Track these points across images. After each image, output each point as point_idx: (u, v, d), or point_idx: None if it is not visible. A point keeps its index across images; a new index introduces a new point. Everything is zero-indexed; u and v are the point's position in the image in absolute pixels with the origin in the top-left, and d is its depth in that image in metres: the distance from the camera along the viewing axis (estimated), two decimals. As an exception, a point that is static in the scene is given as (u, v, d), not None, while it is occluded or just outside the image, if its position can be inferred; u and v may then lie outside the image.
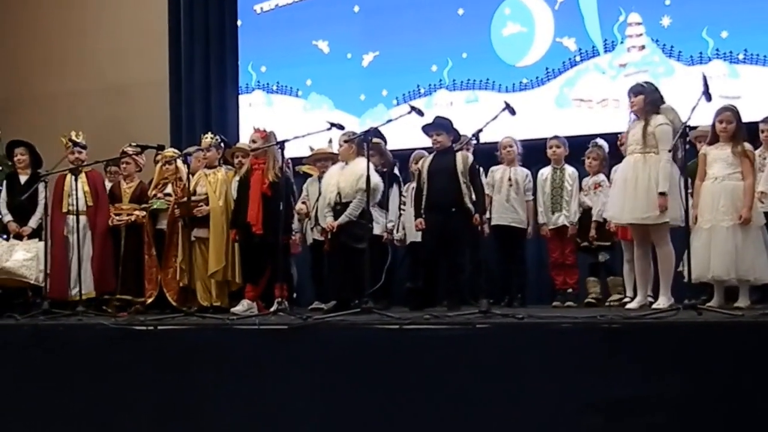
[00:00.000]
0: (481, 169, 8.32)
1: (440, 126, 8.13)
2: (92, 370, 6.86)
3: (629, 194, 7.14)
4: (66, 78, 12.81)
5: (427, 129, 8.18)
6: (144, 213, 9.08)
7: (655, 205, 6.99)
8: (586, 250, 8.65)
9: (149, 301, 8.95)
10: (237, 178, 8.74)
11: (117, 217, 9.12)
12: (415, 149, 9.10)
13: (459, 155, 8.01)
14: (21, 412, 7.07)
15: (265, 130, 8.43)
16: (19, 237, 8.94)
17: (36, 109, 12.55)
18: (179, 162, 8.92)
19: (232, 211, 8.62)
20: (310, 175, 9.38)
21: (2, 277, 8.80)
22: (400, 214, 9.04)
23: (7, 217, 9.07)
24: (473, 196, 7.86)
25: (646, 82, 7.49)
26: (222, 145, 9.05)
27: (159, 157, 9.21)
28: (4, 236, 9.38)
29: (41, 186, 8.70)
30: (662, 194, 6.95)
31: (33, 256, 8.65)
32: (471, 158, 7.99)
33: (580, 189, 8.68)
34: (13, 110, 11.58)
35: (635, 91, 7.33)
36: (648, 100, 7.23)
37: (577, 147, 8.88)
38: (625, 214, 7.22)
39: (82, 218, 8.90)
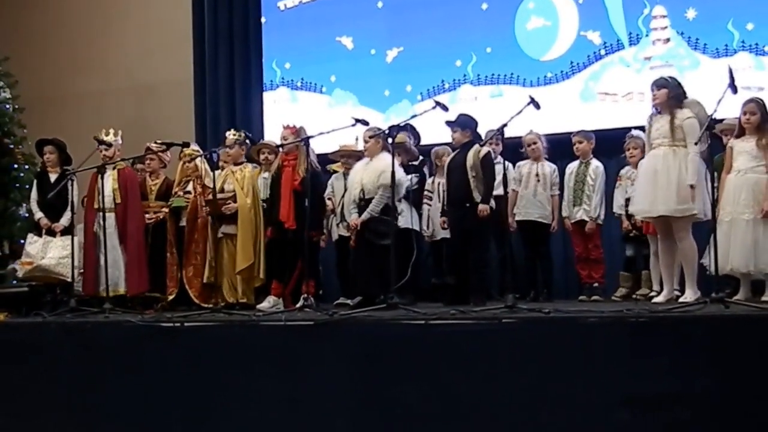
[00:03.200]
0: (509, 165, 8.33)
1: (458, 123, 8.11)
2: (120, 366, 6.91)
3: (661, 187, 7.07)
4: (92, 77, 12.88)
5: (449, 124, 8.19)
6: (167, 208, 9.13)
7: (686, 198, 6.95)
8: (635, 240, 8.57)
9: (170, 298, 8.97)
10: (264, 174, 8.79)
11: (146, 216, 9.18)
12: (440, 144, 9.09)
13: (471, 150, 8.00)
14: (50, 409, 7.13)
15: (295, 127, 8.45)
16: (51, 233, 8.98)
17: (63, 108, 12.61)
18: (198, 160, 8.94)
19: (265, 208, 8.65)
20: (335, 172, 9.39)
21: (37, 275, 8.86)
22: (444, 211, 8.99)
23: (39, 214, 9.12)
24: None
25: (670, 77, 7.44)
26: (247, 141, 9.07)
27: (181, 154, 9.25)
28: (34, 234, 9.45)
29: (69, 184, 8.74)
30: (692, 186, 6.91)
31: (69, 253, 8.66)
32: (484, 152, 7.95)
33: (615, 181, 8.61)
34: (41, 110, 11.63)
35: (659, 84, 7.29)
36: (671, 94, 7.19)
37: (603, 141, 8.85)
38: (659, 207, 7.12)
39: (112, 216, 8.91)
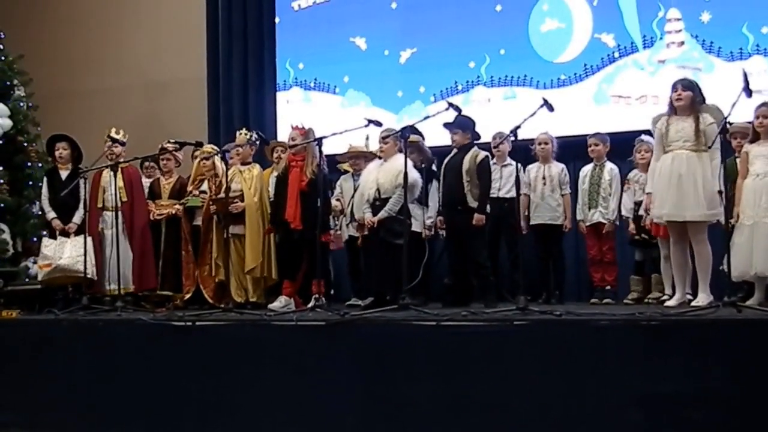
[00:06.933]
0: (520, 166, 8.34)
1: (457, 124, 8.12)
2: (132, 364, 6.94)
3: (687, 192, 6.97)
4: (105, 75, 12.91)
5: (447, 127, 8.19)
6: (181, 207, 9.14)
7: (713, 204, 6.90)
8: (643, 244, 8.55)
9: (187, 296, 9.00)
10: (274, 174, 8.79)
11: (157, 212, 9.19)
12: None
13: (469, 153, 8.02)
14: (62, 406, 7.15)
15: (304, 127, 8.45)
16: (65, 234, 8.96)
17: (76, 105, 12.64)
18: (216, 159, 8.95)
19: (271, 207, 8.66)
20: (345, 172, 9.39)
21: (57, 276, 8.79)
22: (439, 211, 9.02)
23: (51, 214, 9.09)
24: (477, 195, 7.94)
25: (693, 80, 7.39)
26: (257, 142, 9.08)
27: (197, 153, 9.26)
28: (44, 232, 9.45)
29: (82, 182, 8.74)
30: (720, 192, 6.86)
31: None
32: (482, 156, 8.00)
33: (624, 185, 8.58)
34: (54, 107, 11.65)
35: (686, 85, 7.19)
36: (697, 99, 7.15)
37: (616, 143, 8.83)
38: (686, 212, 7.03)
39: (115, 213, 8.91)
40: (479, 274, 8.03)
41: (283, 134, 10.75)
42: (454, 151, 8.27)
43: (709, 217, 7.00)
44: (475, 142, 8.21)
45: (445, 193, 8.22)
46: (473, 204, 7.92)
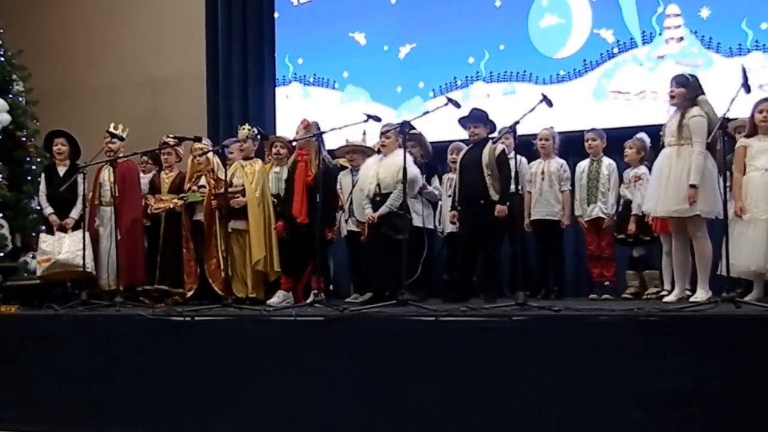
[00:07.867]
0: (523, 159, 8.34)
1: (477, 118, 8.11)
2: (131, 360, 6.94)
3: (662, 187, 7.08)
4: (106, 71, 12.90)
5: (464, 121, 8.18)
6: (181, 202, 9.10)
7: (686, 198, 6.92)
8: (623, 243, 8.58)
9: (189, 294, 8.96)
10: (275, 169, 8.79)
11: (155, 206, 9.15)
12: (451, 141, 9.09)
13: (487, 147, 7.99)
14: (61, 401, 7.15)
15: (307, 121, 8.45)
16: (63, 229, 8.93)
17: (76, 101, 12.64)
18: (210, 154, 8.90)
19: (280, 202, 8.65)
20: (345, 167, 9.38)
21: (56, 271, 8.77)
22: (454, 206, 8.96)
23: (48, 210, 9.07)
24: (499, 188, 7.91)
25: (691, 75, 7.36)
26: (259, 137, 9.07)
27: (192, 149, 9.24)
28: (43, 228, 9.45)
29: (80, 177, 8.72)
30: (692, 186, 6.88)
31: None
32: (499, 149, 7.97)
33: (621, 181, 8.59)
34: (54, 102, 11.65)
35: (679, 82, 7.21)
36: (689, 95, 7.15)
37: (615, 139, 8.82)
38: (658, 207, 7.15)
39: (111, 209, 8.82)
40: (489, 269, 8.02)
41: (283, 129, 10.77)
42: (464, 146, 8.27)
43: (678, 213, 7.02)
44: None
45: (465, 189, 8.15)
46: (495, 197, 7.89)
